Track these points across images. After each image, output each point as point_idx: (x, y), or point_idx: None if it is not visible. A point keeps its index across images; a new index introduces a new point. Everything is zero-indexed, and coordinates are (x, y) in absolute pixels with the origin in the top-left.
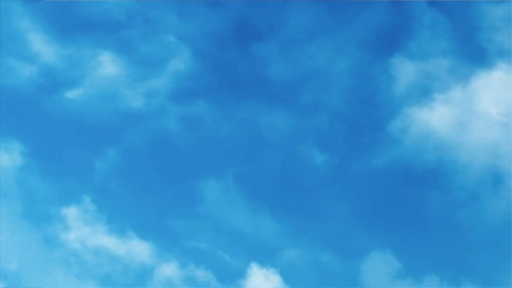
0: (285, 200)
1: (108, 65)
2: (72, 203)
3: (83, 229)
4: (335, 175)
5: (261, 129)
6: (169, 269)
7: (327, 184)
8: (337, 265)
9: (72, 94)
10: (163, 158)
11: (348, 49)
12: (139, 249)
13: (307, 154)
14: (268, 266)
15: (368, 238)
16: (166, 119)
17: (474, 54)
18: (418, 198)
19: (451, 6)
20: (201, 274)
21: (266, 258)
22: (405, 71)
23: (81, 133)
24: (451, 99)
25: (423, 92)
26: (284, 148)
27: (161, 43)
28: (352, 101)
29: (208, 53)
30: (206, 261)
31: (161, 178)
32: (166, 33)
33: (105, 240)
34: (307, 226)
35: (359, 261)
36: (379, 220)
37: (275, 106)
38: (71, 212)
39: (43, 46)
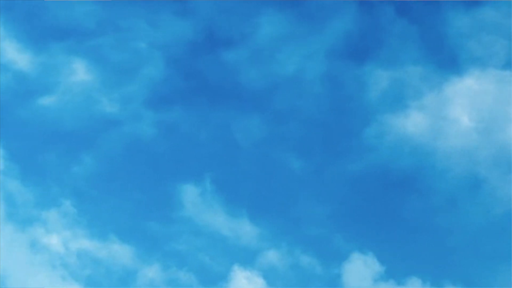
0: (262, 203)
1: (81, 72)
2: (53, 206)
3: (65, 233)
4: (312, 179)
5: (235, 134)
6: (152, 272)
7: (303, 188)
8: (318, 267)
9: (46, 100)
10: (139, 163)
11: (318, 57)
12: (121, 252)
13: (282, 159)
14: (250, 268)
15: (348, 241)
16: (142, 124)
17: (446, 61)
18: (397, 202)
19: (420, 15)
20: (184, 276)
21: (248, 260)
22: (377, 78)
23: (57, 138)
24: (424, 106)
25: (397, 99)
26: (259, 153)
27: (133, 50)
28: (325, 108)
29: (180, 60)
30: (188, 263)
31: (138, 183)
32: (137, 41)
33: (87, 243)
34: (285, 228)
35: (340, 264)
36: (359, 224)
37: (248, 112)
38: (52, 216)
39: (17, 54)
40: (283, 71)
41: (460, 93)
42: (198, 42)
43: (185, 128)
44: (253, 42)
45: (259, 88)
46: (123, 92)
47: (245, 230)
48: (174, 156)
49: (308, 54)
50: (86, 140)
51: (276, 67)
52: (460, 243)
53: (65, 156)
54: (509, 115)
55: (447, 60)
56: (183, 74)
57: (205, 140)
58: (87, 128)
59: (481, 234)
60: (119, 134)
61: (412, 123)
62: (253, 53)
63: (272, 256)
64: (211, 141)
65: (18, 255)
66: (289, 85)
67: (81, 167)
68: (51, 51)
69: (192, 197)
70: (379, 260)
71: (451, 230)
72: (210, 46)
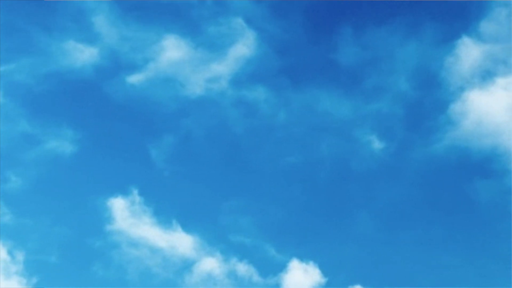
0: (189, 213)
1: None
2: None
3: (8, 243)
4: (230, 193)
5: (150, 151)
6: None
7: (224, 200)
8: (255, 276)
9: None
10: (64, 179)
11: (222, 80)
12: (63, 266)
13: (199, 175)
14: (190, 276)
15: (282, 250)
16: (62, 142)
17: (351, 86)
18: (324, 213)
19: (317, 42)
20: (129, 283)
21: (187, 269)
22: (286, 101)
23: None
24: (336, 128)
25: (309, 121)
26: (175, 169)
27: (45, 75)
28: (238, 129)
29: (89, 84)
30: (130, 273)
31: (67, 198)
32: (48, 66)
33: (30, 256)
34: (216, 237)
35: (278, 273)
36: (290, 235)
37: (160, 132)
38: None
39: None
40: (189, 93)
41: (369, 116)
42: (104, 67)
43: (103, 145)
44: (156, 66)
45: (168, 110)
46: (40, 113)
47: (179, 239)
48: (97, 171)
49: (212, 78)
50: (9, 159)
51: (181, 90)
52: (401, 252)
53: None
54: (415, 136)
55: (352, 85)
56: (93, 97)
57: (123, 157)
58: (8, 147)
59: (419, 244)
60: (41, 152)
61: (327, 144)
62: (157, 76)
63: (209, 265)
64: (128, 158)
65: None
66: (197, 107)
67: (8, 184)
68: None
69: (122, 210)
70: (320, 269)
71: (391, 240)
72: (116, 71)
